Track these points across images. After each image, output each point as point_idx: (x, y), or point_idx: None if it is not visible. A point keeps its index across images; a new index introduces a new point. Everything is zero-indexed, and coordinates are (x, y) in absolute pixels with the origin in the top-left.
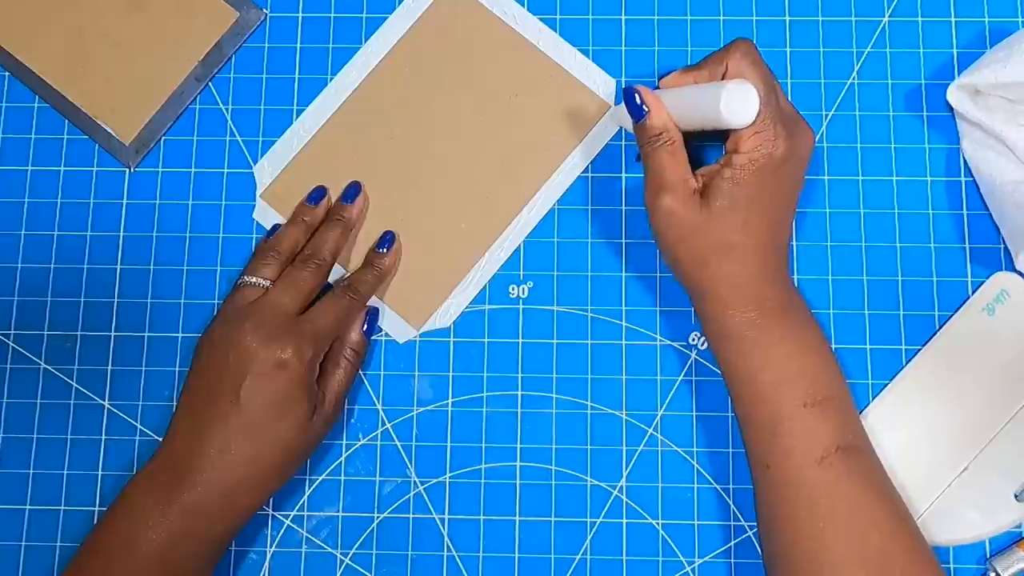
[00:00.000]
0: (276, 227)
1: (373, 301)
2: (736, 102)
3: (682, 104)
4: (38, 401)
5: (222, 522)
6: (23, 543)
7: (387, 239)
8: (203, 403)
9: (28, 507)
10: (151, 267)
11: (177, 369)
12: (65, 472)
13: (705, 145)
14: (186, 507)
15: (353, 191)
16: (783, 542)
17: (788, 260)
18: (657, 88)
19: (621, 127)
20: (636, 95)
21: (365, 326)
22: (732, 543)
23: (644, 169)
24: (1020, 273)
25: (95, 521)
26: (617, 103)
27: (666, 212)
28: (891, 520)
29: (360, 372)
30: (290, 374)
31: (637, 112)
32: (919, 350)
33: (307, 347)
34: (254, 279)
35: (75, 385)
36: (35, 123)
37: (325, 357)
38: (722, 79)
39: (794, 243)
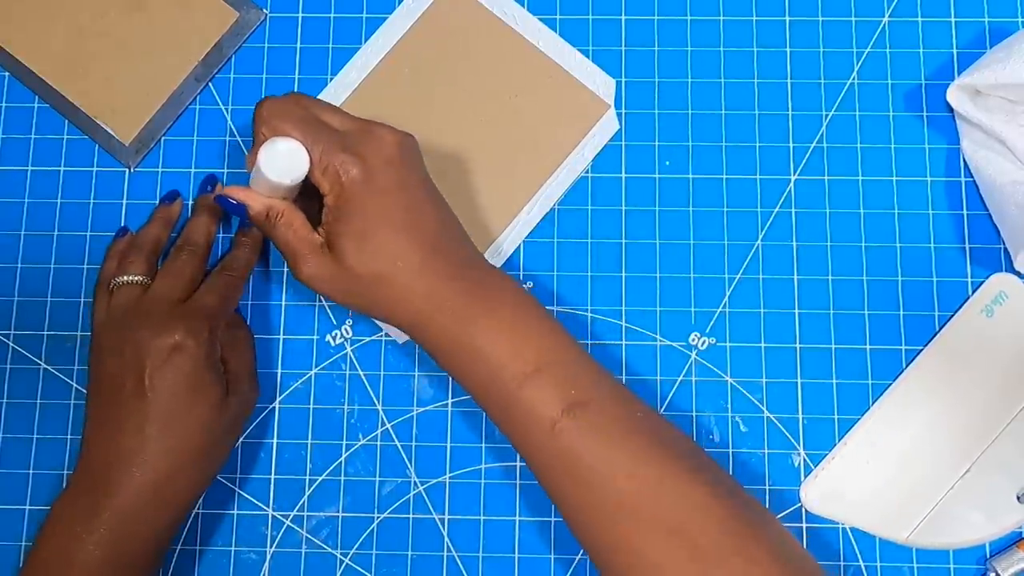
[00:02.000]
0: (123, 230)
1: None
2: (276, 163)
3: (260, 184)
4: (38, 401)
5: (159, 519)
6: (23, 543)
7: (244, 220)
8: (110, 407)
9: (28, 507)
10: None
11: None
12: (65, 472)
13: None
14: (117, 512)
15: (211, 180)
16: (568, 521)
17: (468, 250)
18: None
19: (620, 127)
20: (227, 198)
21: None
22: None
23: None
24: (1018, 274)
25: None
26: (618, 106)
27: (309, 279)
28: (635, 459)
29: (360, 372)
30: (190, 356)
31: (239, 211)
32: (919, 351)
33: (200, 327)
34: (127, 278)
35: (75, 385)
36: (35, 123)
37: (221, 344)
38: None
39: (794, 243)
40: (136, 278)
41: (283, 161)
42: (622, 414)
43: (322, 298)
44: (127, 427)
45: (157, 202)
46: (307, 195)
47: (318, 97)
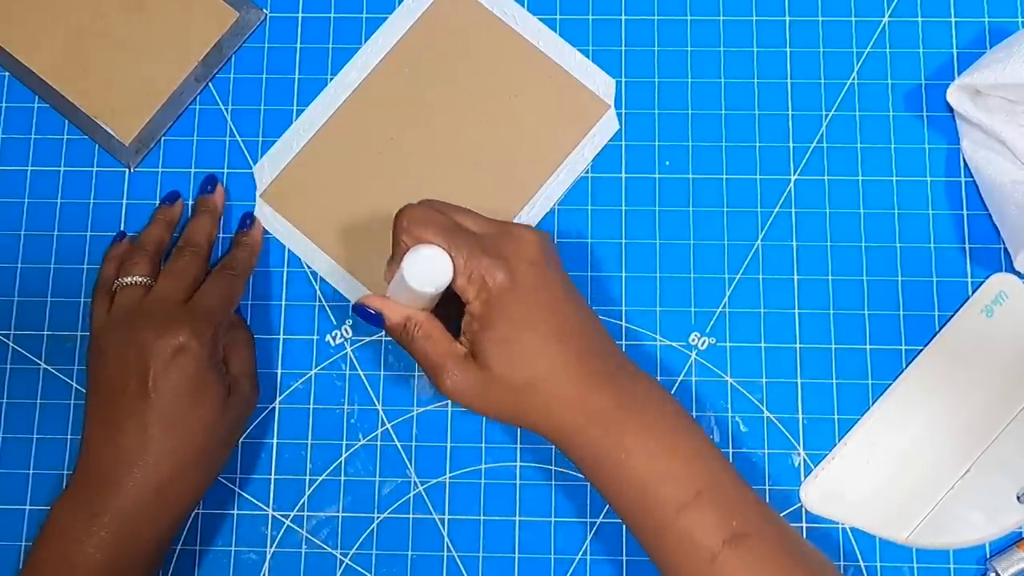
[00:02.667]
0: (121, 234)
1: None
2: (419, 271)
3: (399, 293)
4: (38, 401)
5: (160, 520)
6: (23, 543)
7: (246, 219)
8: (111, 408)
9: (28, 507)
10: None
11: None
12: (65, 472)
13: None
14: (118, 513)
15: (211, 181)
16: None
17: (614, 351)
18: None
19: (620, 127)
20: (364, 307)
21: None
22: None
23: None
24: (1018, 274)
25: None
26: (618, 106)
27: (453, 391)
28: None
29: (360, 372)
30: (193, 357)
31: (376, 321)
32: (919, 351)
33: (203, 328)
34: (130, 279)
35: (75, 385)
36: (35, 123)
37: (223, 344)
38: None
39: (794, 243)
40: (139, 279)
41: (427, 269)
42: (782, 548)
43: (322, 297)
44: (129, 428)
45: (157, 203)
46: (442, 304)
47: (318, 97)
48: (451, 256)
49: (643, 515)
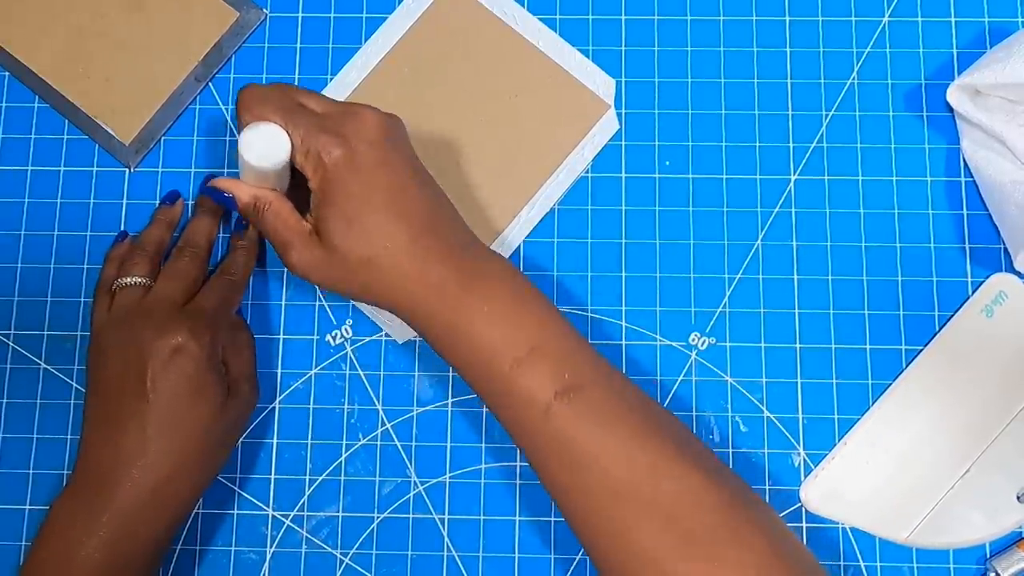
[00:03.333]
0: (123, 234)
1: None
2: (256, 147)
3: (247, 174)
4: (38, 401)
5: (158, 521)
6: (23, 543)
7: (240, 223)
8: (110, 408)
9: (28, 507)
10: None
11: None
12: (65, 472)
13: None
14: (117, 513)
15: (209, 181)
16: (561, 506)
17: (461, 231)
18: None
19: (620, 127)
20: (215, 189)
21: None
22: None
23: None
24: (1018, 274)
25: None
26: (618, 106)
27: (299, 267)
28: (629, 444)
29: (360, 372)
30: (192, 358)
31: (228, 202)
32: (919, 351)
33: (202, 329)
34: (129, 279)
35: (75, 385)
36: (35, 123)
37: (222, 346)
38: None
39: (794, 243)
40: (139, 280)
41: (264, 145)
42: (617, 398)
43: (322, 297)
44: (128, 428)
45: (157, 203)
46: (298, 186)
47: None
48: (288, 133)
49: (486, 379)
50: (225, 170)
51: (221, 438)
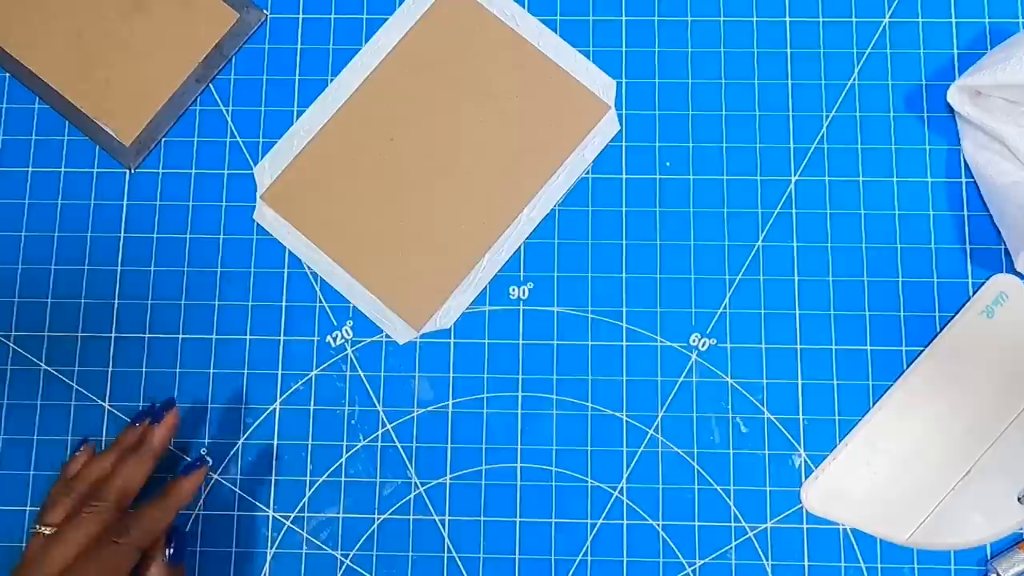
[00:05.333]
0: (84, 440)
1: (373, 302)
2: None
3: None
4: (38, 402)
5: None
6: (23, 543)
7: (194, 464)
8: None
9: (28, 508)
10: (151, 268)
11: (177, 370)
12: None
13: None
14: None
15: (168, 406)
16: None
17: None
18: None
19: (621, 128)
20: None
21: (170, 551)
22: (733, 544)
23: None
24: (1019, 275)
25: None
26: (618, 107)
27: None
28: None
29: (360, 373)
30: None
31: None
32: (919, 352)
33: None
34: (37, 526)
35: (75, 386)
36: (35, 124)
37: None
38: None
39: (794, 244)
40: (44, 529)
41: None
42: None
43: (323, 298)
44: None
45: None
46: None
47: (318, 98)
48: None
49: None
50: (225, 171)
51: None
